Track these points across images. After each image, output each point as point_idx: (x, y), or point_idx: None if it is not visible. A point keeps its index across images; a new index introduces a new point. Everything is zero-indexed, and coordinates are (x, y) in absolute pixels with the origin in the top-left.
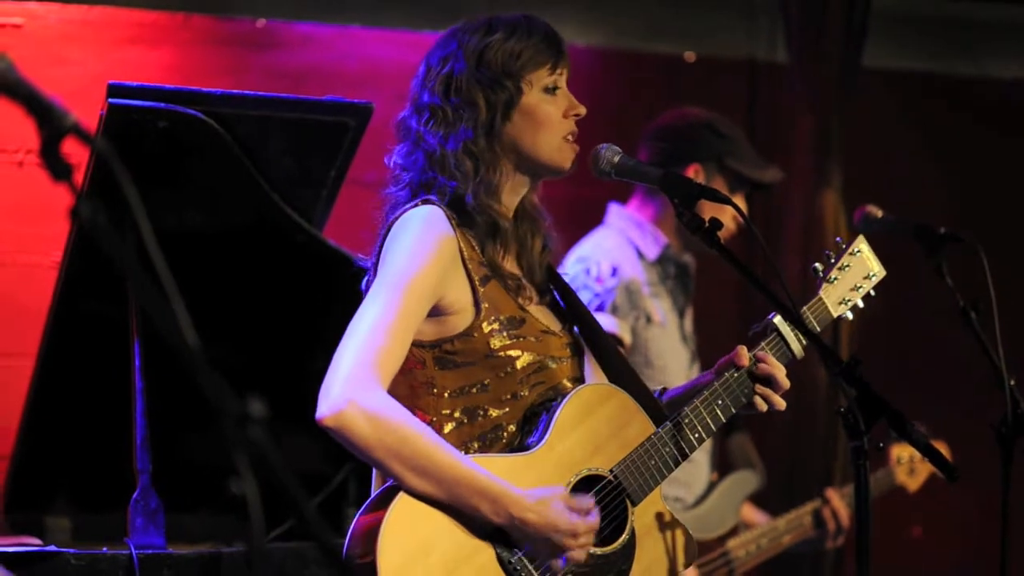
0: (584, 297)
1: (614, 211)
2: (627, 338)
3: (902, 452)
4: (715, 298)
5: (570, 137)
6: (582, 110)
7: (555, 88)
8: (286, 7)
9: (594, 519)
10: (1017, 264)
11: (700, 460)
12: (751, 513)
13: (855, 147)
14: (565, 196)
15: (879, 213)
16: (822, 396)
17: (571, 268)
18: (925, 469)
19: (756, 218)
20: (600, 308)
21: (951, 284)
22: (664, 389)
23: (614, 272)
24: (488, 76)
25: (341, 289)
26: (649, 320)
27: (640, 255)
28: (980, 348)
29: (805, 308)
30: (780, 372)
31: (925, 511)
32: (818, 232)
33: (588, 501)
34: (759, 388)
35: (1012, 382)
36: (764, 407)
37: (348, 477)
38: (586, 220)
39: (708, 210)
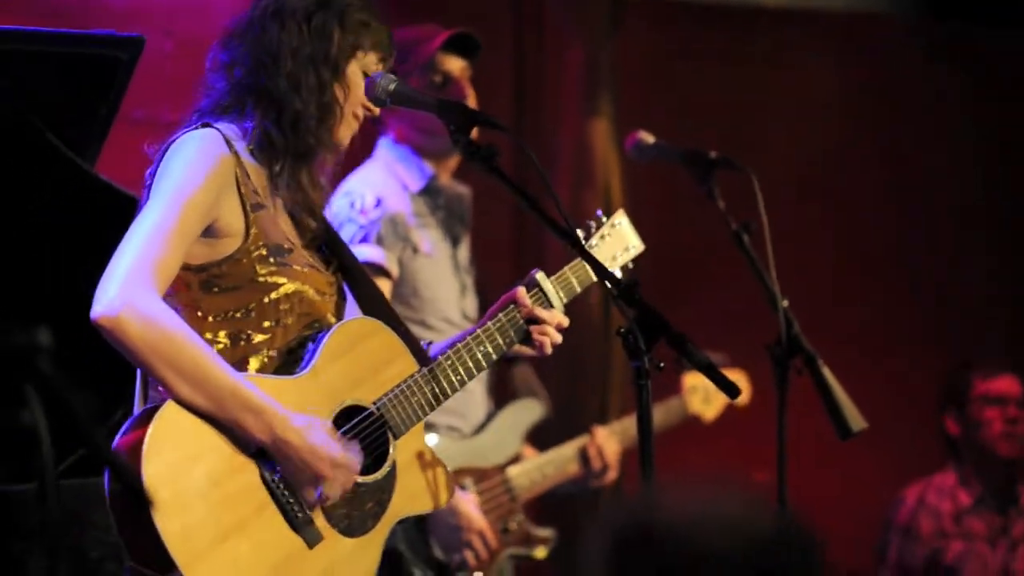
0: (349, 230)
1: (382, 144)
2: (394, 269)
3: (696, 381)
4: (490, 227)
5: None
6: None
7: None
8: None
9: (357, 455)
10: (788, 188)
11: (474, 389)
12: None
13: (626, 77)
14: None
15: (651, 139)
16: (596, 325)
17: (337, 202)
18: (721, 399)
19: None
20: (365, 239)
21: (723, 208)
22: (431, 343)
23: (378, 203)
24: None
25: (115, 223)
26: (416, 251)
27: (405, 187)
28: (753, 270)
29: (566, 268)
30: (548, 314)
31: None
32: (589, 162)
33: (355, 445)
34: (534, 329)
35: (785, 303)
36: (535, 351)
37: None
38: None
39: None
